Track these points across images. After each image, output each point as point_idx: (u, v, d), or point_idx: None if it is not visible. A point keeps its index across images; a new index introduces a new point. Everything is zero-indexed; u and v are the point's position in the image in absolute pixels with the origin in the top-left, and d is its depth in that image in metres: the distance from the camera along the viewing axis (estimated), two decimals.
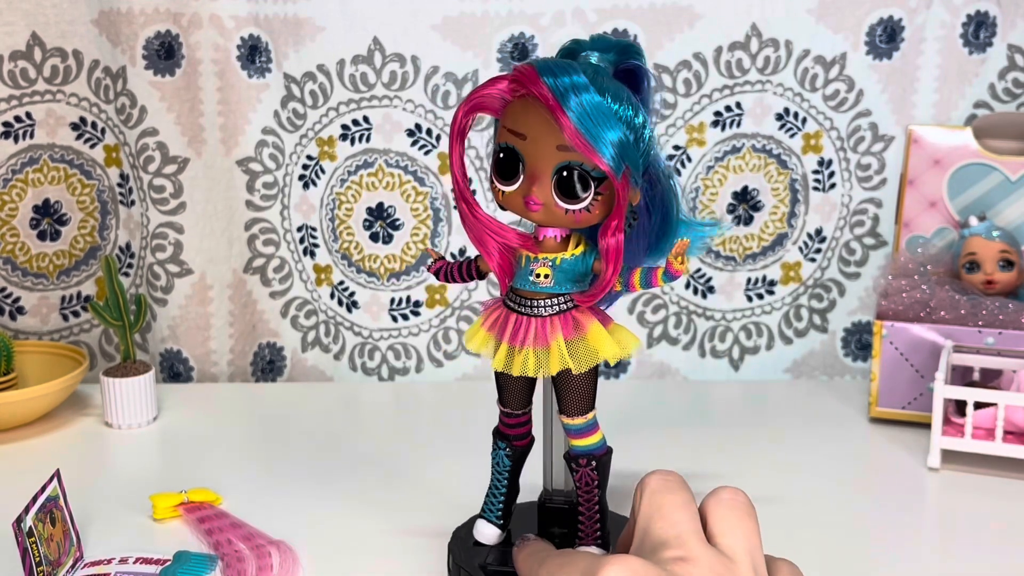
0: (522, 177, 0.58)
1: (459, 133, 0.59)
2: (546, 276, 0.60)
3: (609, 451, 0.65)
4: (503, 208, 0.60)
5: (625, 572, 0.45)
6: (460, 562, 0.67)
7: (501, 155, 0.58)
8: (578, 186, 0.57)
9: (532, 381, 0.65)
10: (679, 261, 0.58)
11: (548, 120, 0.55)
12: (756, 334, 1.11)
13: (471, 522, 0.70)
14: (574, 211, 0.58)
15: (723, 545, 0.48)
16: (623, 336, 0.62)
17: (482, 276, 0.65)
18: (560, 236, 0.61)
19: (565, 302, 0.61)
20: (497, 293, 1.08)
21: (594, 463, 0.64)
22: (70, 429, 0.96)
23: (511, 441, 0.67)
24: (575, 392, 0.62)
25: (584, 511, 0.65)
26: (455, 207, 0.63)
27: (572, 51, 0.60)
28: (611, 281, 0.59)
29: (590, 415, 0.63)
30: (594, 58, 0.58)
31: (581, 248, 0.61)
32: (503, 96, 0.58)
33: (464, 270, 0.66)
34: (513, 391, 0.66)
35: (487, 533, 0.68)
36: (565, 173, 0.57)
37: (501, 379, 0.65)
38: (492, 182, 0.60)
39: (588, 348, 0.61)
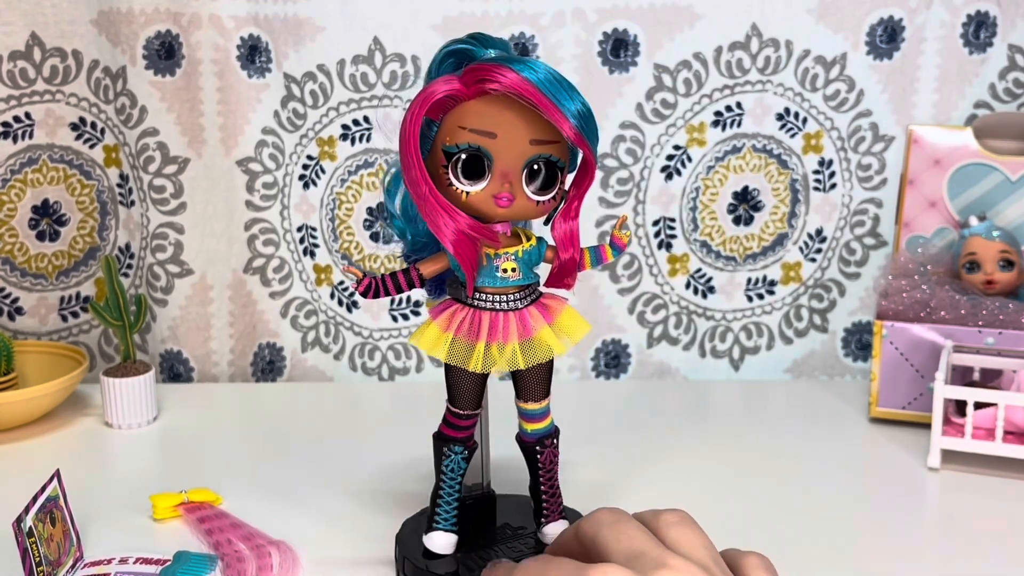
0: (490, 175, 0.59)
1: (416, 127, 0.59)
2: (514, 270, 0.62)
3: (558, 428, 0.68)
4: (461, 210, 0.60)
5: None
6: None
7: (464, 156, 0.59)
8: (554, 176, 0.60)
9: (486, 379, 0.66)
10: (620, 230, 0.64)
11: (520, 116, 0.58)
12: (756, 334, 1.11)
13: (416, 529, 0.70)
14: (545, 202, 0.61)
15: (691, 558, 0.48)
16: (577, 314, 0.65)
17: (422, 282, 0.63)
18: (509, 231, 0.63)
19: (533, 292, 0.64)
20: None
21: (555, 441, 0.68)
22: (70, 429, 0.96)
23: (465, 443, 0.67)
24: (542, 377, 0.65)
25: (546, 489, 0.68)
26: (392, 202, 0.63)
27: (466, 52, 0.61)
28: (579, 261, 0.63)
29: (550, 398, 0.67)
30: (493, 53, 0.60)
31: (533, 239, 0.63)
32: (455, 96, 0.58)
33: (401, 279, 0.63)
34: (473, 391, 0.66)
35: (445, 542, 0.67)
36: (536, 167, 0.59)
37: (461, 380, 0.65)
38: (447, 185, 0.60)
39: (569, 326, 0.64)
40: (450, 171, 0.59)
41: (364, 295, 0.63)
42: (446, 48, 0.61)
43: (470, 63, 0.59)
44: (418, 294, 1.10)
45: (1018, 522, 0.76)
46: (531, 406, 0.66)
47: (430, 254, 0.64)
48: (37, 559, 0.62)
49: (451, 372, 0.65)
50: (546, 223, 0.64)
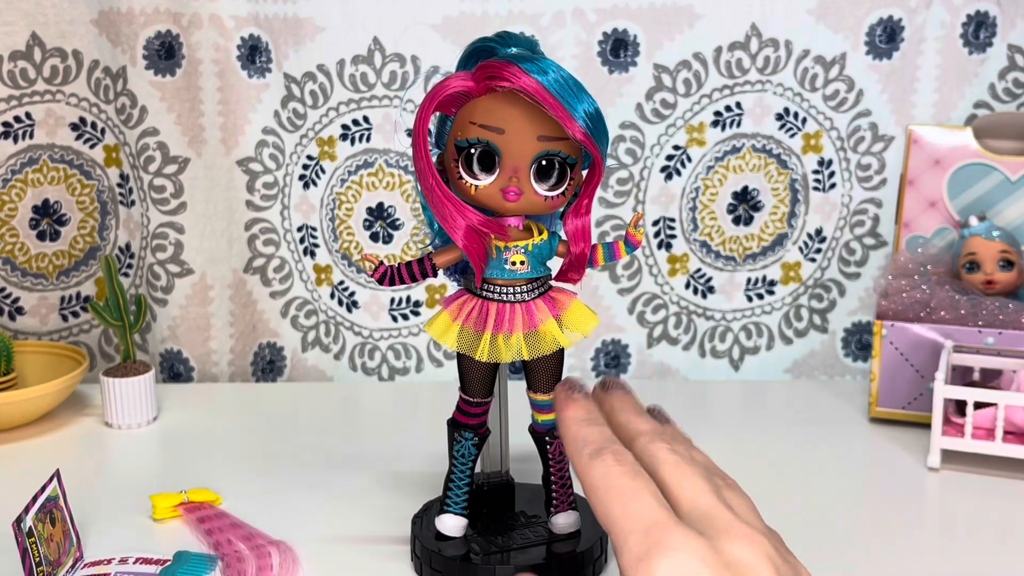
0: (499, 170, 0.61)
1: (426, 120, 0.62)
2: (522, 263, 0.64)
3: None
4: (469, 203, 0.62)
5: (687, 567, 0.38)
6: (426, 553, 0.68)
7: (473, 151, 0.61)
8: (563, 173, 0.61)
9: (496, 368, 0.68)
10: (635, 228, 0.65)
11: (527, 113, 0.59)
12: (756, 334, 1.11)
13: (429, 513, 0.72)
14: (553, 197, 0.62)
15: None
16: (586, 308, 0.66)
17: (435, 272, 0.65)
18: (522, 224, 0.64)
19: (542, 285, 0.65)
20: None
21: None
22: (70, 429, 0.96)
23: (476, 430, 0.69)
24: (551, 368, 0.66)
25: (556, 480, 0.69)
26: (419, 192, 0.64)
27: (485, 49, 0.62)
28: (591, 256, 0.64)
29: None
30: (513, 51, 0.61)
31: (545, 233, 0.64)
32: (467, 92, 0.61)
33: (416, 269, 0.65)
34: (482, 379, 0.67)
35: (455, 525, 0.69)
36: (544, 162, 0.60)
37: (470, 369, 0.67)
38: (457, 178, 0.62)
39: (577, 319, 0.65)
40: (460, 165, 0.61)
41: (380, 282, 0.65)
42: (472, 46, 0.63)
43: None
44: (420, 292, 1.10)
45: (1018, 522, 0.76)
46: (540, 397, 0.67)
47: (444, 244, 0.66)
48: (37, 559, 0.62)
49: (462, 360, 0.67)
50: (559, 219, 0.65)
